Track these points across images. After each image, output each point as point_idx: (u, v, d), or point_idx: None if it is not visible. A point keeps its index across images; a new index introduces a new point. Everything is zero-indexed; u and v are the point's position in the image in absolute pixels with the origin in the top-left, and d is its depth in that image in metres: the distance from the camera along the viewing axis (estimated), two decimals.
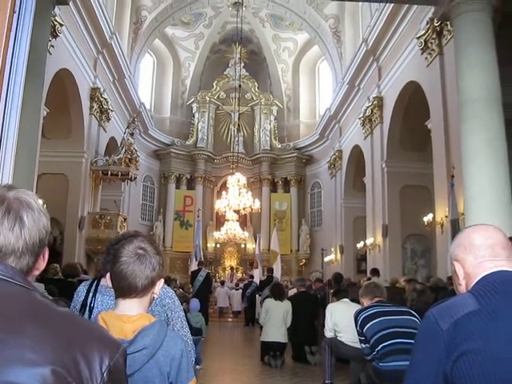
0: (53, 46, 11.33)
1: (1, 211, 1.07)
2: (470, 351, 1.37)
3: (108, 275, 1.72)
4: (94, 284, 2.47)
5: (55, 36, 11.56)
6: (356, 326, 4.84)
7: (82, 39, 14.22)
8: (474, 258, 1.58)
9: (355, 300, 6.94)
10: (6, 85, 2.22)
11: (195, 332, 7.76)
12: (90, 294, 2.41)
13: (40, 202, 1.16)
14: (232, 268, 24.15)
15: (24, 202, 1.11)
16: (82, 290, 2.52)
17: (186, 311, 8.05)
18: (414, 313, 4.77)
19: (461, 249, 1.62)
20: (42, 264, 1.18)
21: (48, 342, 0.94)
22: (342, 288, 8.04)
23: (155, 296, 1.77)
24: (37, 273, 1.18)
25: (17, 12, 2.22)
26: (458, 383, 1.39)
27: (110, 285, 1.72)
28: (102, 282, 2.44)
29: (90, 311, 2.34)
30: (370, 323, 4.66)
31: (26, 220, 1.09)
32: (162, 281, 1.77)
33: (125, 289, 1.66)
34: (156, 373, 1.61)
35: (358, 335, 4.83)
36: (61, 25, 11.80)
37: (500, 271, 1.52)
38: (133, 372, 1.54)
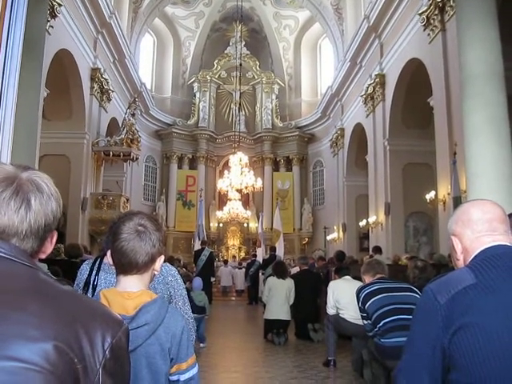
0: (52, 27, 11.25)
1: (9, 192, 1.06)
2: (468, 325, 1.38)
3: (109, 253, 1.73)
4: (97, 262, 2.49)
5: (54, 16, 11.46)
6: (358, 303, 4.87)
7: (82, 19, 14.11)
8: (472, 232, 1.58)
9: (357, 277, 6.98)
10: (2, 65, 2.20)
11: (198, 310, 7.83)
12: (94, 272, 2.42)
13: (53, 185, 1.15)
14: (234, 256, 24.27)
15: (35, 184, 1.10)
16: (85, 268, 2.54)
17: (189, 290, 8.12)
18: (415, 289, 4.80)
19: (459, 224, 1.63)
20: (49, 247, 1.17)
21: (50, 318, 0.94)
22: (343, 265, 8.07)
23: (156, 273, 1.78)
24: (43, 256, 1.18)
25: None
26: (456, 357, 1.41)
27: (111, 262, 1.73)
28: (105, 259, 2.46)
29: (94, 289, 2.36)
30: (372, 300, 4.69)
31: (33, 203, 1.07)
32: (163, 257, 1.78)
33: (125, 265, 1.68)
34: (157, 348, 1.63)
35: (360, 312, 4.87)
36: (59, 5, 11.70)
37: (497, 245, 1.52)
38: (135, 347, 1.56)
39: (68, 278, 4.53)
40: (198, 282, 8.84)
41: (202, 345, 8.07)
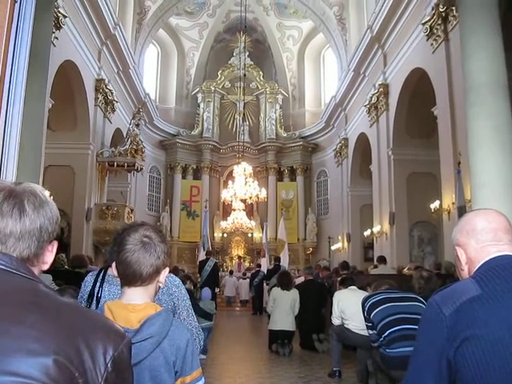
0: (57, 38, 11.33)
1: (2, 196, 1.08)
2: (473, 337, 1.37)
3: (113, 264, 1.73)
4: (101, 274, 2.48)
5: (59, 28, 11.54)
6: (363, 312, 4.86)
7: (86, 30, 14.20)
8: (476, 242, 1.57)
9: (362, 288, 6.97)
10: (9, 76, 2.22)
11: (206, 316, 7.94)
12: (98, 284, 2.42)
13: (47, 193, 1.17)
14: (240, 257, 24.20)
15: (28, 190, 1.12)
16: (89, 279, 2.53)
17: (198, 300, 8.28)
18: (421, 299, 4.78)
19: (463, 233, 1.61)
20: (49, 256, 1.17)
21: (50, 332, 0.94)
22: (348, 276, 8.03)
23: (161, 285, 1.78)
24: (45, 267, 1.18)
25: (18, 2, 2.21)
26: (461, 369, 1.39)
27: (116, 273, 1.73)
28: (109, 271, 2.45)
29: (98, 301, 2.35)
30: (377, 309, 4.67)
31: (26, 204, 1.09)
32: (167, 269, 1.77)
33: (130, 277, 1.67)
34: (162, 361, 1.62)
35: (366, 321, 4.85)
36: (64, 16, 11.78)
37: (503, 256, 1.51)
38: (139, 360, 1.55)
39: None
40: (207, 292, 9.00)
41: (202, 356, 8.02)
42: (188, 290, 2.97)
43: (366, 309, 4.80)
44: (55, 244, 1.19)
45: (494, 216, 1.61)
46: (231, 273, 20.95)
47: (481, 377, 1.35)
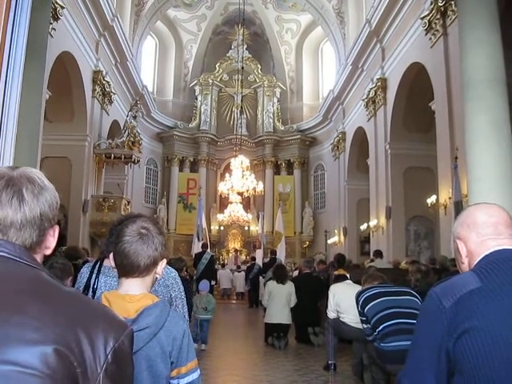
0: (54, 29, 11.27)
1: (0, 185, 1.07)
2: (472, 329, 1.37)
3: (111, 255, 1.73)
4: (97, 265, 2.49)
5: (56, 19, 11.48)
6: (357, 307, 4.87)
7: (84, 22, 14.13)
8: (477, 236, 1.57)
9: (358, 282, 6.98)
10: (6, 67, 2.21)
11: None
12: (94, 276, 2.43)
13: (45, 179, 1.16)
14: (236, 250, 24.19)
15: (25, 176, 1.10)
16: (85, 271, 2.54)
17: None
18: (414, 293, 4.80)
19: (463, 227, 1.62)
20: (51, 241, 1.16)
21: (51, 321, 0.93)
22: (341, 274, 8.04)
23: (158, 276, 1.78)
24: (48, 252, 1.17)
25: None
26: (460, 361, 1.40)
27: (114, 265, 1.73)
28: (105, 263, 2.46)
29: (94, 292, 2.36)
30: (371, 303, 4.69)
31: (24, 192, 1.07)
32: (165, 261, 1.77)
33: (127, 268, 1.67)
34: (158, 352, 1.62)
35: (360, 315, 4.86)
36: (62, 7, 11.71)
37: (502, 250, 1.51)
38: (135, 351, 1.55)
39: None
40: (205, 284, 8.82)
41: (203, 346, 8.08)
42: (183, 280, 2.98)
43: (360, 303, 4.81)
44: (57, 228, 1.17)
45: (494, 210, 1.62)
46: (223, 266, 21.01)
47: (480, 368, 1.36)
